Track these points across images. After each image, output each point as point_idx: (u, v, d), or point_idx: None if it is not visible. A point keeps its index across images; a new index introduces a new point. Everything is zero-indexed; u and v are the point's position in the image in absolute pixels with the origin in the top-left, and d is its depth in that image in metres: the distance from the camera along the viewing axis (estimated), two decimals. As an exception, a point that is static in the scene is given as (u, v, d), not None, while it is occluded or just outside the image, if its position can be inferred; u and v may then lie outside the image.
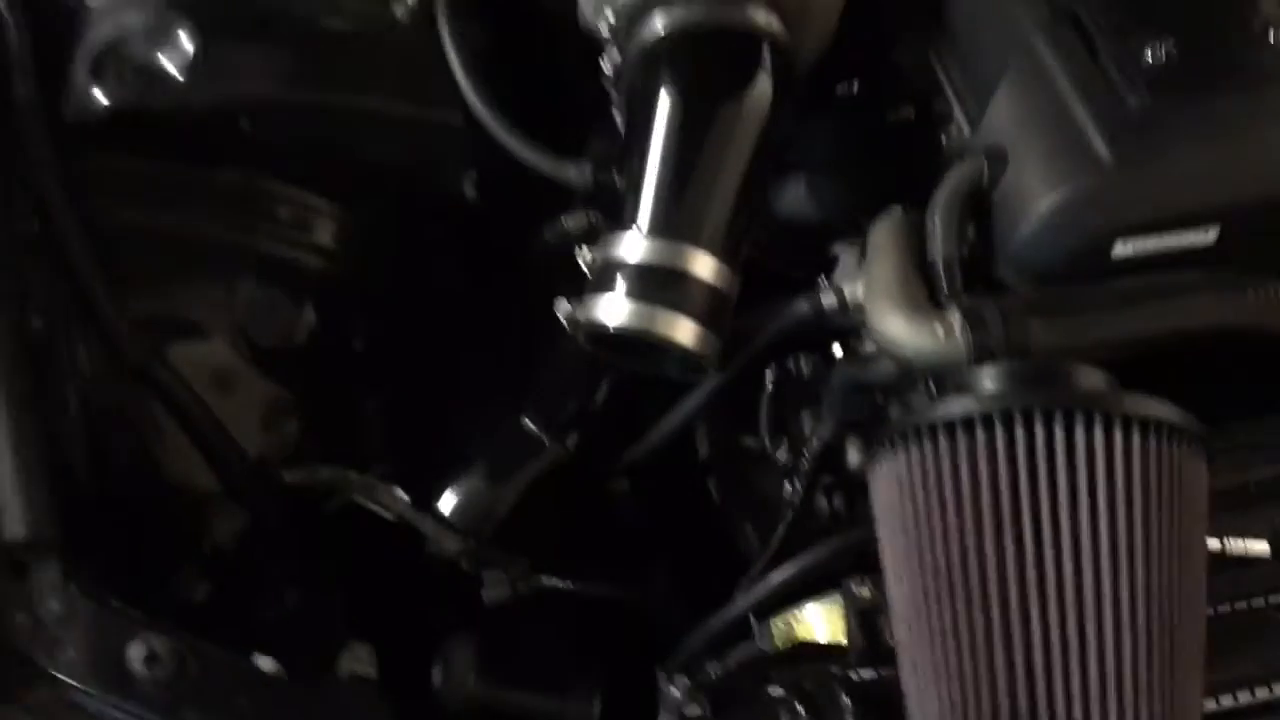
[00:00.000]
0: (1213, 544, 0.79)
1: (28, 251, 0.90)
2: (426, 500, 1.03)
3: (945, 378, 0.84)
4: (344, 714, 0.87)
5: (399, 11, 1.03)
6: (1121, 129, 0.84)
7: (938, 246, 0.87)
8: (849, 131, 1.12)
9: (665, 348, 0.89)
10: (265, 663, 0.82)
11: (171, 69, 0.97)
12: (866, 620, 0.82)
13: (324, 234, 1.05)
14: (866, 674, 0.85)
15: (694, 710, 0.93)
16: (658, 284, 0.88)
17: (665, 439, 1.05)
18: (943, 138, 1.01)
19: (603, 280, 0.91)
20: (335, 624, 1.00)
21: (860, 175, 1.11)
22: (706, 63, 0.94)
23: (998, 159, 0.88)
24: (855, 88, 1.14)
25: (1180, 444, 0.68)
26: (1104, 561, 0.64)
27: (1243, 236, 0.84)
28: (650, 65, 0.94)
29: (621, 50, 0.97)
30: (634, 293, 0.89)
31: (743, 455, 1.11)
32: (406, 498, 1.00)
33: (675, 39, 0.94)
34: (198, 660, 0.77)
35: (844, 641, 0.87)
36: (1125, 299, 0.83)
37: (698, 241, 0.89)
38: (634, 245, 0.90)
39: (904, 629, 0.70)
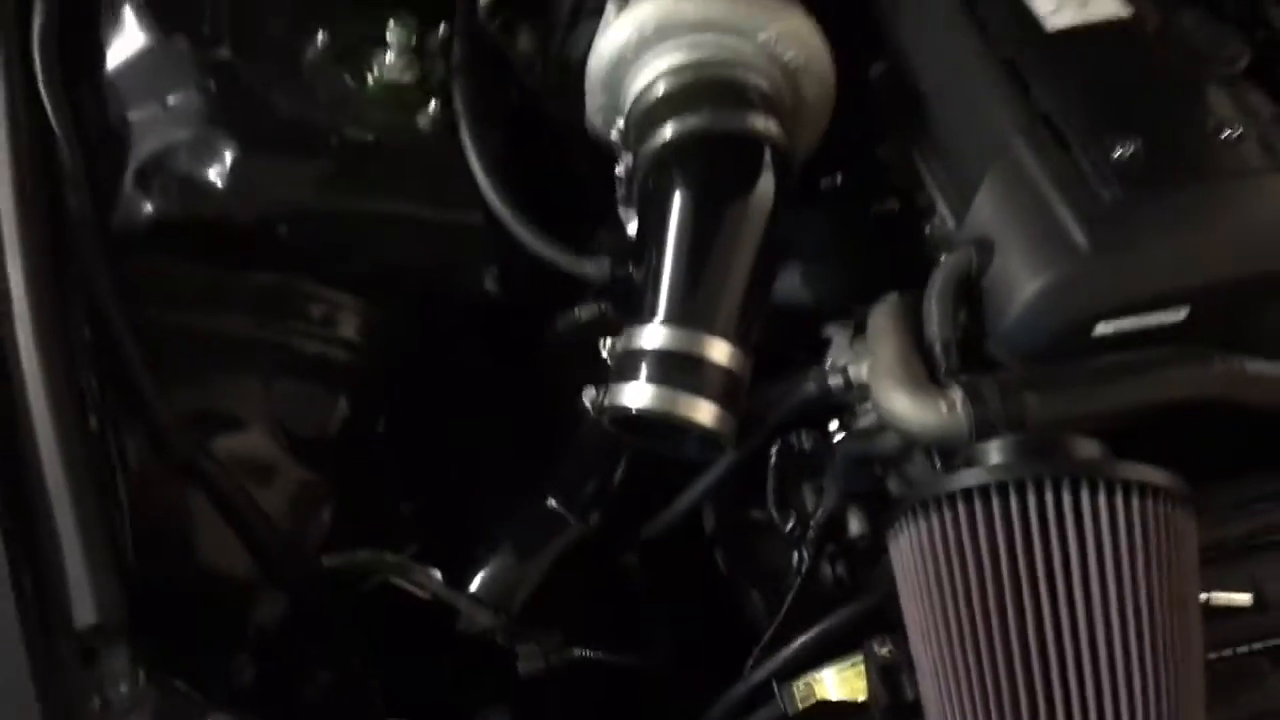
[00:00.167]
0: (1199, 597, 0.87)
1: (83, 354, 0.95)
2: (457, 579, 1.08)
3: (950, 450, 0.91)
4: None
5: (423, 122, 1.11)
6: (1097, 220, 0.92)
7: (935, 329, 0.95)
8: (838, 222, 1.20)
9: (686, 428, 0.96)
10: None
11: (214, 180, 1.03)
12: (888, 677, 0.88)
13: (350, 329, 1.12)
14: (890, 729, 0.91)
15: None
16: (678, 369, 0.95)
17: (683, 514, 1.11)
18: (927, 228, 1.10)
19: (625, 368, 0.97)
20: (372, 702, 1.04)
21: (850, 263, 1.20)
22: (714, 165, 1.02)
23: (985, 249, 0.96)
24: (840, 181, 1.23)
25: (1171, 504, 0.76)
26: (1113, 612, 0.71)
27: (1209, 315, 0.93)
28: (662, 168, 1.02)
29: (634, 155, 1.05)
30: (655, 378, 0.95)
31: (750, 527, 1.17)
32: (440, 577, 1.05)
33: (684, 145, 1.02)
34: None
35: (862, 701, 0.93)
36: (1108, 375, 0.91)
37: (713, 329, 0.96)
38: (654, 334, 0.97)
39: (930, 684, 0.77)
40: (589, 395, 1.00)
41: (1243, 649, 0.88)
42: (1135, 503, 0.74)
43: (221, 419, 1.04)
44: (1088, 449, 0.79)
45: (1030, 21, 1.06)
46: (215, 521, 1.01)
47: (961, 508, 0.76)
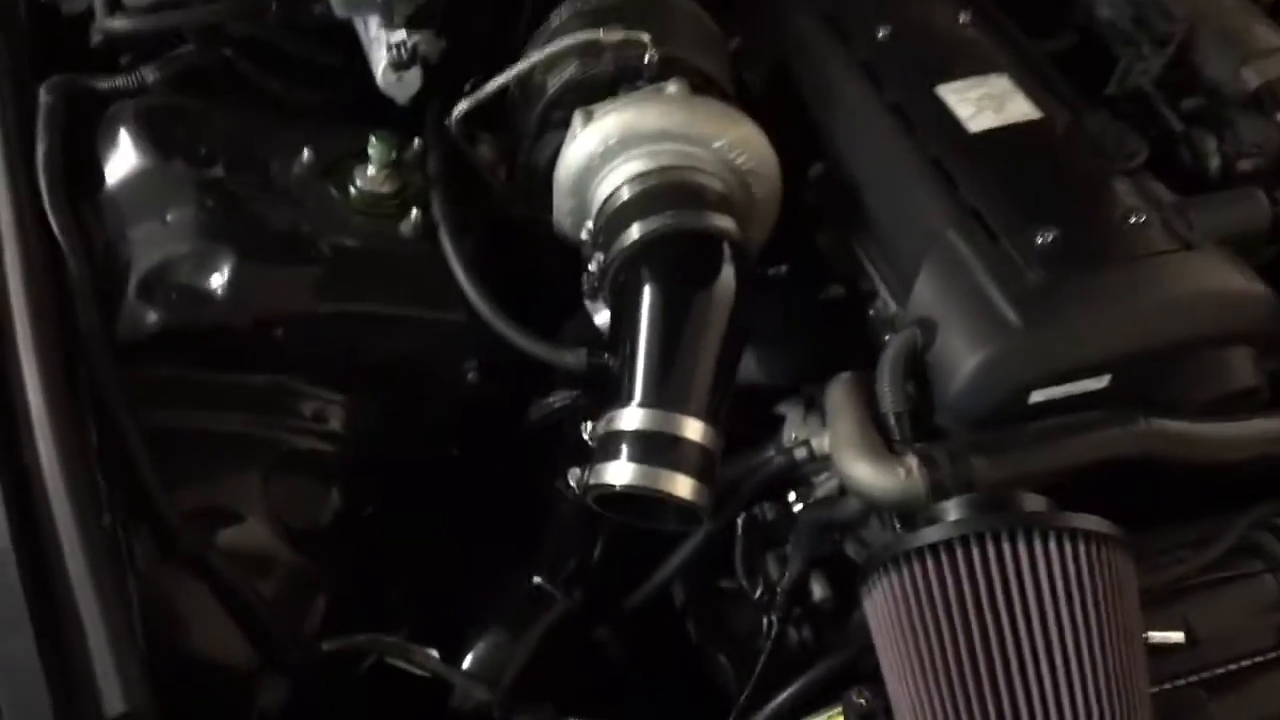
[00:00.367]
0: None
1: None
2: (449, 657, 1.14)
3: (908, 512, 1.00)
4: None
5: (405, 229, 1.19)
6: (1026, 301, 1.04)
7: (887, 403, 1.04)
8: (786, 308, 1.30)
9: (667, 502, 1.03)
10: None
11: (214, 289, 1.10)
12: (867, 723, 0.96)
13: (340, 424, 1.18)
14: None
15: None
16: (656, 448, 1.03)
17: (663, 585, 1.19)
18: (870, 311, 1.21)
19: (607, 449, 1.05)
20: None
21: (798, 346, 1.30)
22: (679, 261, 1.12)
23: (928, 328, 1.07)
24: (784, 270, 1.33)
25: (1112, 548, 0.86)
26: (1068, 643, 0.81)
27: (1129, 381, 1.04)
28: (632, 266, 1.11)
29: (604, 253, 1.14)
30: (636, 456, 1.03)
31: (720, 596, 1.24)
32: (437, 655, 1.10)
33: (652, 243, 1.11)
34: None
35: (841, 749, 1.01)
36: (1045, 438, 1.01)
37: (686, 410, 1.05)
38: (632, 417, 1.05)
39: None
40: (573, 475, 1.07)
41: (1180, 682, 0.97)
42: (1081, 548, 0.84)
43: (222, 514, 1.10)
44: (1035, 503, 0.89)
45: (953, 124, 1.18)
46: (218, 612, 1.06)
47: (929, 560, 0.85)
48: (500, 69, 1.26)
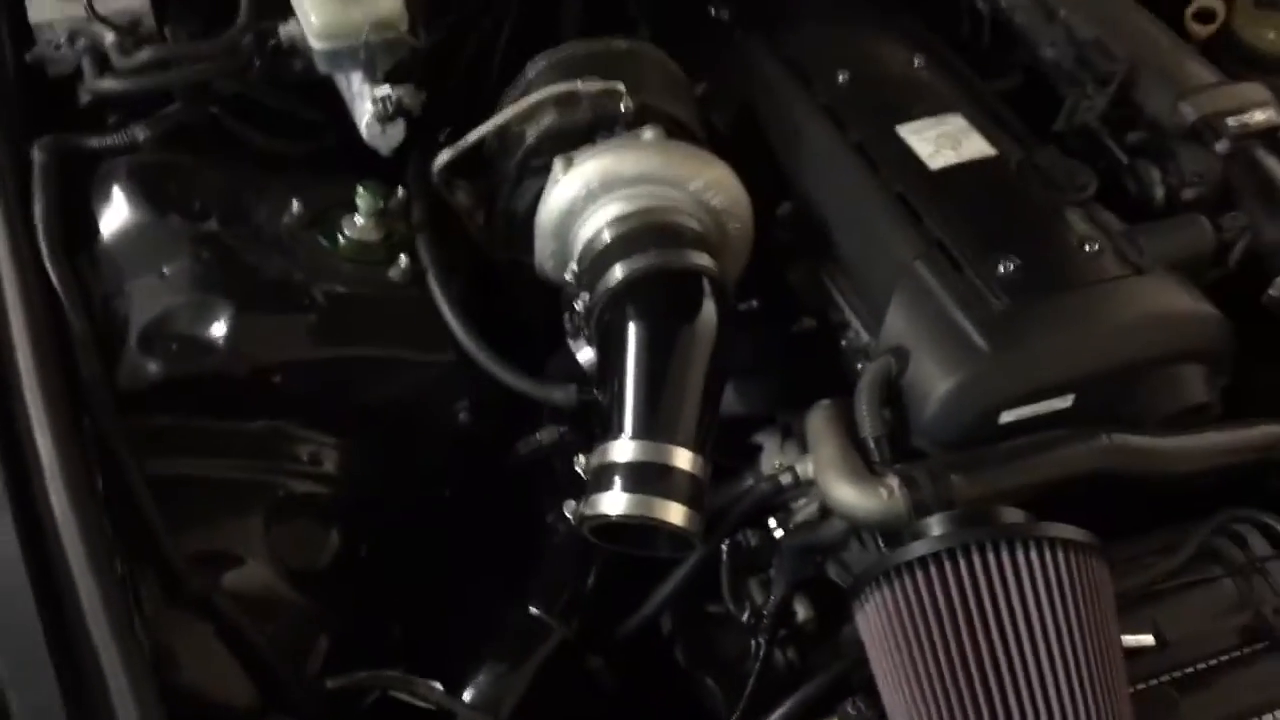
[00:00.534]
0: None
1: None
2: (450, 689, 1.16)
3: (890, 531, 1.05)
4: None
5: (394, 274, 1.23)
6: (992, 327, 1.10)
7: (866, 427, 1.10)
8: (759, 341, 1.35)
9: (660, 530, 1.08)
10: None
11: (213, 339, 1.14)
12: (862, 733, 1.01)
13: (335, 466, 1.21)
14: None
15: None
16: (648, 477, 1.07)
17: (656, 612, 1.22)
18: (842, 341, 1.27)
19: (601, 481, 1.09)
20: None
21: (773, 377, 1.35)
22: (662, 297, 1.16)
23: (901, 356, 1.12)
24: (755, 305, 1.38)
25: (1087, 555, 0.92)
26: (1054, 645, 0.86)
27: (1092, 399, 1.10)
28: (617, 304, 1.16)
29: (589, 293, 1.19)
30: (629, 486, 1.07)
31: (706, 621, 1.28)
32: (440, 688, 1.13)
33: (635, 281, 1.16)
34: None
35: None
36: (1016, 455, 1.06)
37: (675, 440, 1.09)
38: (624, 449, 1.09)
39: (905, 727, 0.90)
40: (569, 507, 1.11)
41: (1153, 681, 1.03)
42: (1060, 556, 0.90)
43: (224, 558, 1.12)
44: (1013, 516, 0.95)
45: (915, 162, 1.25)
46: (224, 654, 1.09)
47: (919, 573, 0.90)
48: (474, 118, 1.32)
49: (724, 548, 1.22)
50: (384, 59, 1.27)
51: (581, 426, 1.26)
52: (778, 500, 1.19)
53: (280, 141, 1.36)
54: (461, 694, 1.17)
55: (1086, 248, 1.16)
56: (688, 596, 1.27)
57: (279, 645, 1.11)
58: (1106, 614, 0.91)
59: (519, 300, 1.38)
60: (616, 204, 1.20)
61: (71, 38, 1.28)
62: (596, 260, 1.19)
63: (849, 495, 1.06)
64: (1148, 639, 1.04)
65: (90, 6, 1.25)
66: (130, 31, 1.28)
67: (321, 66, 1.30)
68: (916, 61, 1.39)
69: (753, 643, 1.21)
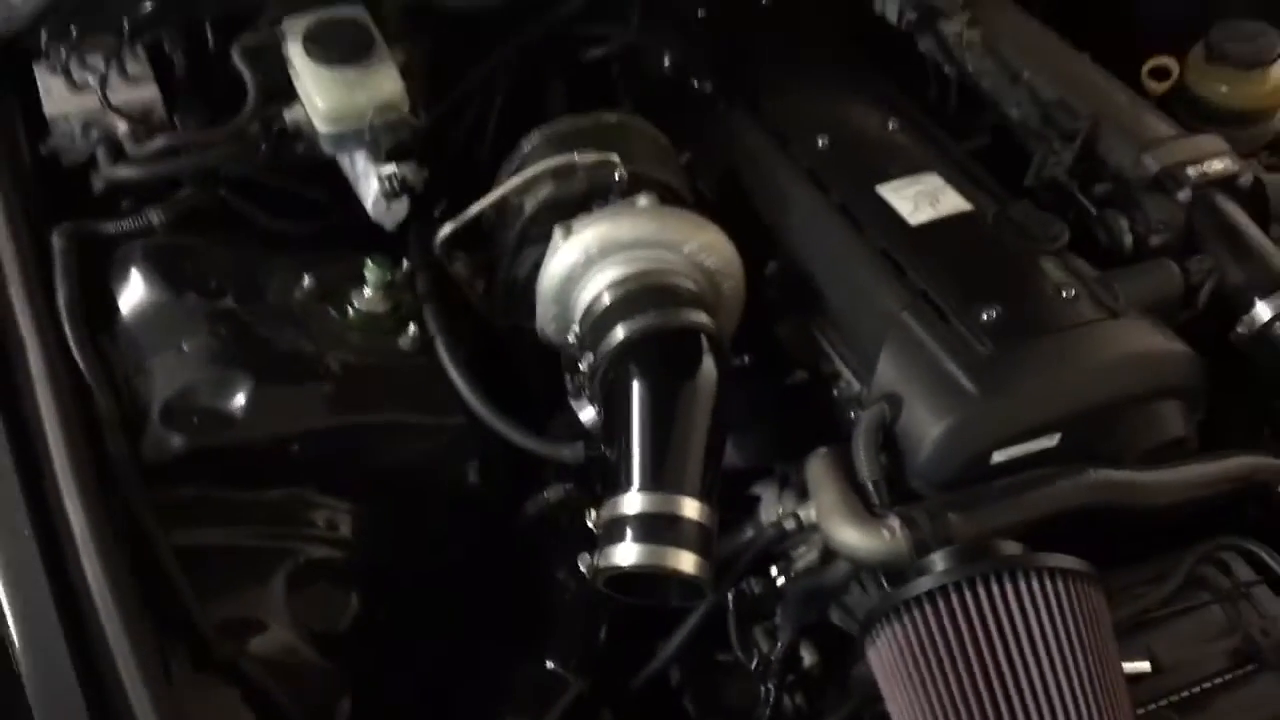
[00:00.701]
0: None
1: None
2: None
3: (893, 570, 1.09)
4: None
5: (404, 343, 1.28)
6: (979, 371, 1.15)
7: (865, 472, 1.14)
8: (753, 395, 1.40)
9: (671, 578, 1.11)
10: None
11: (233, 411, 1.18)
12: (879, 767, 1.04)
13: (348, 529, 1.25)
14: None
15: None
16: (658, 528, 1.11)
17: (668, 663, 1.26)
18: (835, 392, 1.32)
19: (612, 534, 1.13)
20: None
21: (769, 429, 1.40)
22: (663, 355, 1.21)
23: (894, 403, 1.18)
24: (747, 360, 1.43)
25: (1084, 582, 0.97)
26: (1059, 669, 0.91)
27: (1077, 437, 1.15)
28: (620, 363, 1.21)
29: (592, 354, 1.23)
30: (640, 538, 1.11)
31: (715, 669, 1.32)
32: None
33: (636, 341, 1.21)
34: None
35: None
36: (1009, 493, 1.11)
37: (682, 490, 1.13)
38: (633, 501, 1.13)
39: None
40: (583, 561, 1.15)
41: (1152, 706, 1.07)
42: (1060, 584, 0.95)
43: (248, 624, 1.15)
44: (1012, 548, 1.00)
45: (896, 219, 1.32)
46: (252, 718, 1.11)
47: (927, 607, 0.95)
48: (469, 192, 1.38)
49: (730, 597, 1.26)
50: (387, 139, 1.33)
51: (586, 484, 1.31)
52: (781, 547, 1.23)
53: (285, 221, 1.41)
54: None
55: (1063, 294, 1.22)
56: (696, 646, 1.31)
57: (304, 708, 1.14)
58: (1106, 637, 0.96)
59: (519, 365, 1.42)
60: (615, 268, 1.25)
61: (86, 128, 1.33)
62: (598, 322, 1.24)
63: (852, 537, 1.11)
64: (1144, 665, 1.09)
65: (105, 98, 1.31)
66: (142, 121, 1.34)
67: (327, 148, 1.36)
68: (891, 124, 1.46)
69: (761, 689, 1.25)
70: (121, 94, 1.34)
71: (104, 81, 1.32)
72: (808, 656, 1.23)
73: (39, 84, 1.36)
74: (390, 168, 1.32)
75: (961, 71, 1.58)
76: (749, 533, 1.24)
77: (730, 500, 1.30)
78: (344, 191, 1.42)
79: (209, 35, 1.42)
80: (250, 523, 1.18)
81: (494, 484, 1.30)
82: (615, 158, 1.31)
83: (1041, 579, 0.95)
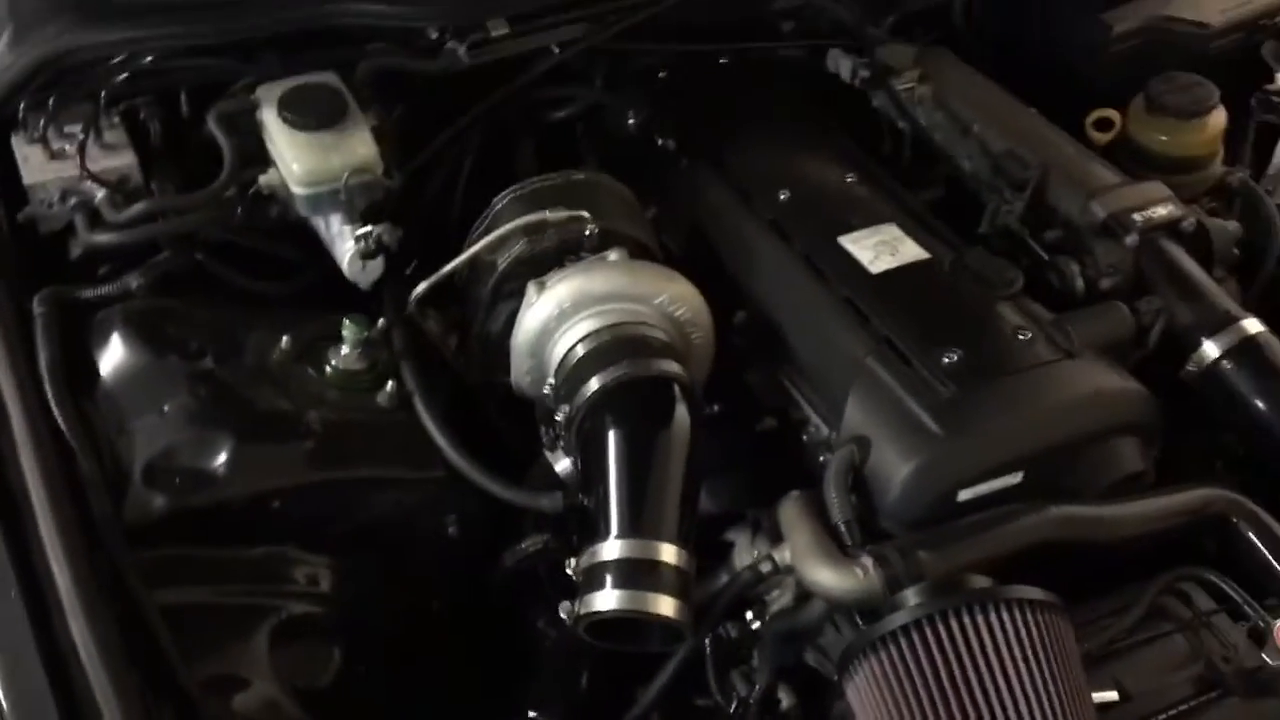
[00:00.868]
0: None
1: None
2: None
3: (868, 608, 1.12)
4: None
5: (382, 399, 1.30)
6: (943, 413, 1.19)
7: (836, 512, 1.17)
8: (724, 442, 1.43)
9: (652, 622, 1.14)
10: None
11: (215, 470, 1.19)
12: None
13: (328, 585, 1.26)
14: None
15: None
16: (637, 573, 1.14)
17: (652, 706, 1.27)
18: (804, 437, 1.35)
19: (592, 580, 1.15)
20: None
21: (740, 475, 1.42)
22: (637, 405, 1.24)
23: (863, 445, 1.21)
24: (716, 409, 1.46)
25: (1050, 612, 1.00)
26: (1030, 696, 0.94)
27: (1039, 474, 1.19)
28: (595, 413, 1.24)
29: (568, 405, 1.26)
30: (620, 584, 1.14)
31: (695, 714, 1.33)
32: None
33: (611, 391, 1.24)
34: None
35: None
36: (976, 530, 1.15)
37: (660, 536, 1.16)
38: (612, 548, 1.15)
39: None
40: (564, 609, 1.17)
41: (1121, 734, 1.10)
42: (1028, 615, 0.98)
43: (232, 681, 1.15)
44: (981, 582, 1.04)
45: (858, 268, 1.36)
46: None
47: (902, 641, 0.98)
48: (439, 251, 1.41)
49: (707, 642, 1.28)
50: (362, 200, 1.36)
51: (563, 535, 1.33)
52: (755, 591, 1.26)
53: (261, 282, 1.43)
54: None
55: (1020, 336, 1.27)
56: (675, 691, 1.33)
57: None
58: (1074, 665, 1.00)
59: (490, 418, 1.45)
60: (588, 321, 1.29)
61: (64, 196, 1.35)
62: (572, 374, 1.27)
63: (827, 577, 1.14)
64: (1112, 695, 1.12)
65: (84, 165, 1.33)
66: (119, 188, 1.36)
67: (303, 210, 1.39)
68: (849, 178, 1.51)
69: (740, 732, 1.27)
70: (99, 161, 1.37)
71: (83, 149, 1.34)
72: (785, 699, 1.25)
73: (16, 153, 1.38)
74: (366, 228, 1.35)
75: (914, 126, 1.64)
76: (724, 577, 1.27)
77: (704, 546, 1.33)
78: (317, 252, 1.45)
79: (184, 103, 1.45)
80: (233, 580, 1.19)
81: (473, 536, 1.32)
82: (585, 214, 1.35)
83: (1011, 610, 0.98)
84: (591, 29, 1.58)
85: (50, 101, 1.37)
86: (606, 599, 1.13)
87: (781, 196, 1.48)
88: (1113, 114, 1.66)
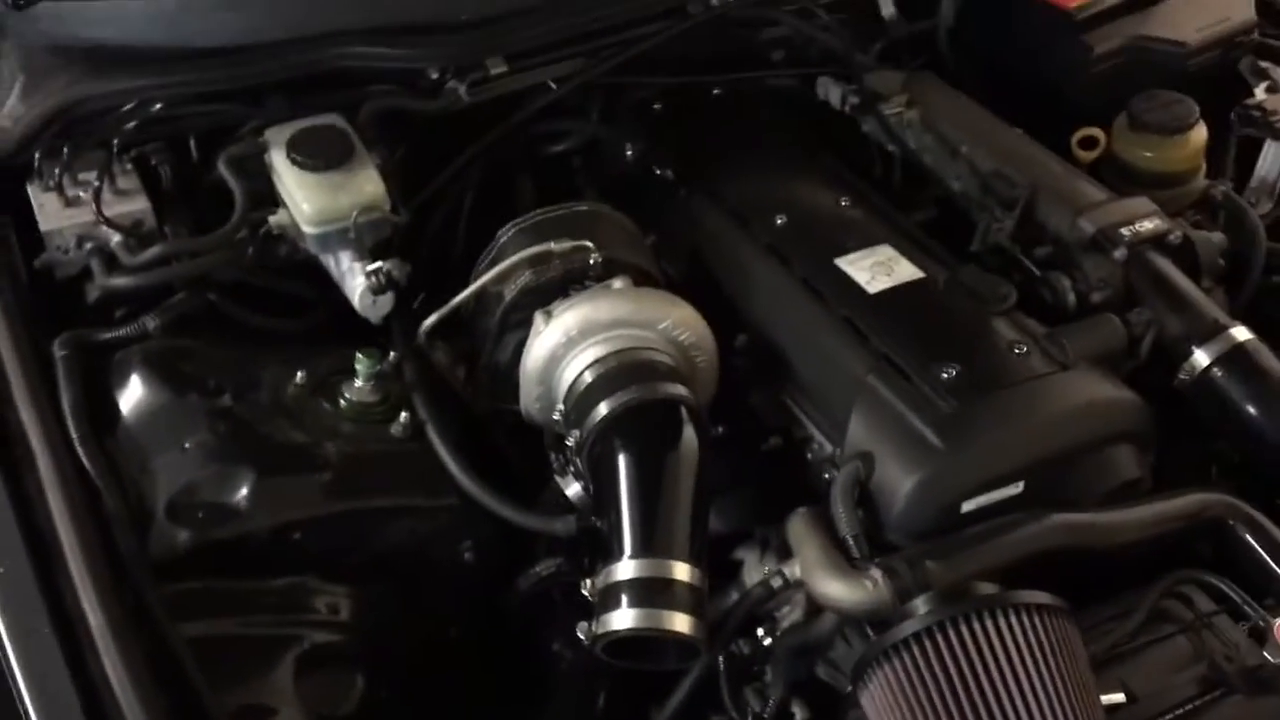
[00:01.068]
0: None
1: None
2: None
3: (878, 619, 1.15)
4: None
5: (396, 430, 1.33)
6: (944, 427, 1.23)
7: (844, 527, 1.20)
8: (731, 463, 1.46)
9: (668, 639, 1.17)
10: None
11: (236, 505, 1.22)
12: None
13: (348, 614, 1.28)
14: None
15: None
16: (652, 592, 1.16)
17: (673, 718, 1.29)
18: (808, 454, 1.38)
19: (608, 601, 1.18)
20: None
21: (747, 495, 1.45)
22: (646, 428, 1.27)
23: (868, 461, 1.24)
24: (721, 430, 1.49)
25: (1056, 615, 1.03)
26: (1041, 696, 0.97)
27: (1039, 484, 1.23)
28: (605, 438, 1.27)
29: (579, 430, 1.29)
30: (635, 602, 1.16)
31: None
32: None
33: (620, 416, 1.27)
34: None
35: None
36: (981, 540, 1.18)
37: (673, 555, 1.19)
38: (626, 568, 1.18)
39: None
40: (582, 629, 1.19)
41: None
42: (1035, 618, 1.01)
43: (259, 710, 1.18)
44: (988, 589, 1.07)
45: (855, 288, 1.40)
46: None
47: (914, 648, 1.01)
48: (445, 283, 1.45)
49: (720, 659, 1.30)
50: (370, 237, 1.40)
51: (575, 558, 1.36)
52: (766, 608, 1.28)
53: (273, 320, 1.46)
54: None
55: (1016, 350, 1.30)
56: (690, 710, 1.35)
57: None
58: (1082, 667, 1.03)
59: (498, 446, 1.48)
60: (596, 348, 1.32)
61: (79, 242, 1.39)
62: (581, 400, 1.30)
63: (837, 589, 1.17)
64: (1119, 696, 1.15)
65: (100, 211, 1.37)
66: (134, 232, 1.39)
67: (313, 248, 1.42)
68: (843, 201, 1.55)
69: (757, 749, 1.29)
70: (113, 207, 1.40)
71: (98, 196, 1.37)
72: (799, 713, 1.27)
73: (32, 201, 1.42)
74: (376, 264, 1.39)
75: (904, 149, 1.68)
76: (734, 595, 1.29)
77: (713, 565, 1.35)
78: (326, 289, 1.48)
79: (193, 148, 1.48)
80: (257, 611, 1.22)
81: (488, 562, 1.34)
82: (589, 244, 1.38)
83: (1019, 615, 1.01)
84: (587, 64, 1.62)
85: (65, 150, 1.41)
86: (623, 618, 1.16)
87: (778, 221, 1.51)
88: (1097, 132, 1.70)
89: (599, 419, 1.27)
